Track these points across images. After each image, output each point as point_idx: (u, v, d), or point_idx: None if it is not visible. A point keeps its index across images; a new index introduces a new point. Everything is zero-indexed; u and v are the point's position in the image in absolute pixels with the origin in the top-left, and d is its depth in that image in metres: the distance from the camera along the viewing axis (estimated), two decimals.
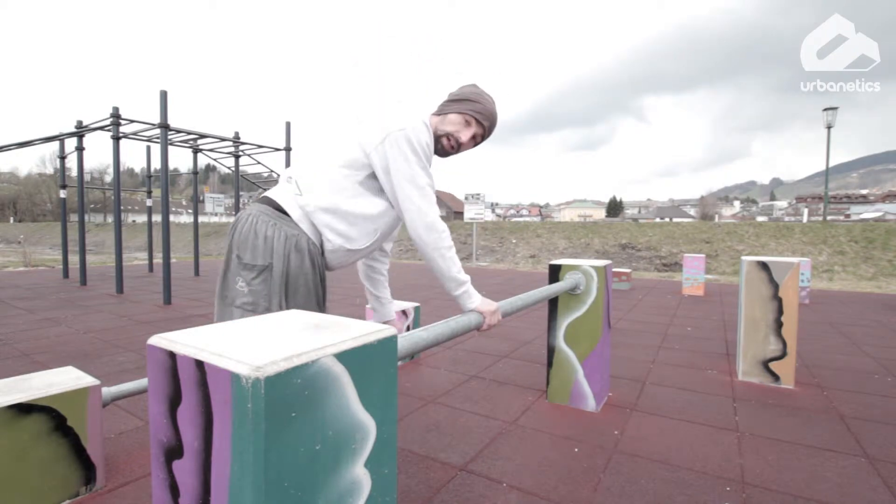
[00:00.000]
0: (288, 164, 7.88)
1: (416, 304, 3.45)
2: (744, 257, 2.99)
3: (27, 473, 1.47)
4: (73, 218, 27.34)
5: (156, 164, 11.67)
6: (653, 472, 1.80)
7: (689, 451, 1.98)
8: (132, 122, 6.48)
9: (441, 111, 1.50)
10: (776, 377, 2.83)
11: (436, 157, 1.52)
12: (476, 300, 1.44)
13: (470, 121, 1.47)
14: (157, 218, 12.69)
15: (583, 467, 1.85)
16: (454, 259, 1.38)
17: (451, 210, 47.83)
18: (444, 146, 1.48)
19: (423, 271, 10.48)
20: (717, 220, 50.43)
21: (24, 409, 1.47)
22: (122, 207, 6.90)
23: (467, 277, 1.42)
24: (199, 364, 0.68)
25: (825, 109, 15.32)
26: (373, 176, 1.37)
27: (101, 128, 6.76)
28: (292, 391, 0.65)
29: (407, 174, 1.31)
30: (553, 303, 2.49)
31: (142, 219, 42.10)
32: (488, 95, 1.52)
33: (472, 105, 1.46)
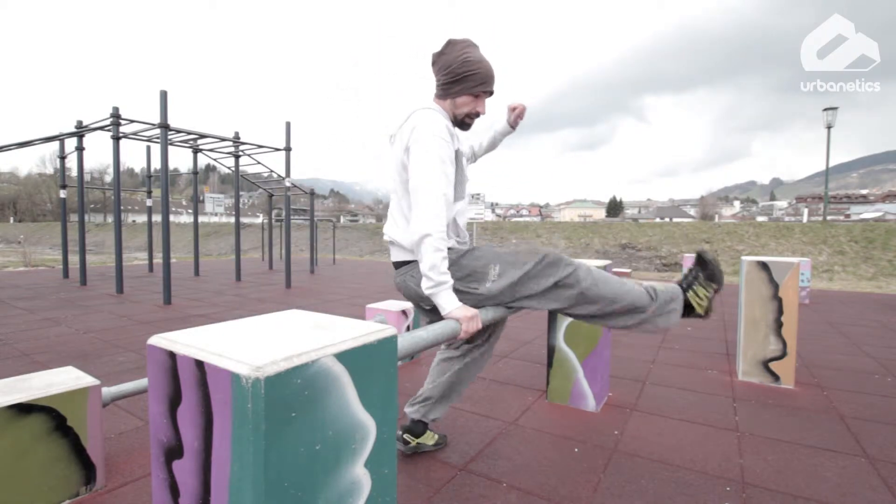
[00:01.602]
0: (288, 163, 7.87)
1: None
2: (744, 257, 2.99)
3: (27, 473, 1.47)
4: (73, 218, 27.34)
5: (156, 164, 11.66)
6: (653, 472, 1.80)
7: (689, 451, 1.98)
8: (132, 122, 6.48)
9: (447, 94, 1.56)
10: (776, 377, 2.83)
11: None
12: (451, 304, 1.41)
13: (479, 94, 1.55)
14: (157, 218, 12.69)
15: (583, 467, 1.85)
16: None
17: None
18: (469, 123, 1.61)
19: None
20: (717, 220, 50.41)
21: (24, 409, 1.47)
22: (122, 207, 6.90)
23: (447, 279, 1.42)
24: (199, 364, 0.68)
25: (825, 109, 15.32)
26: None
27: (101, 128, 6.76)
28: (292, 391, 0.65)
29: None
30: None
31: (142, 219, 42.09)
32: (474, 55, 1.53)
33: (473, 78, 1.52)
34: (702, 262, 1.61)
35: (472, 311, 1.42)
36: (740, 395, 2.66)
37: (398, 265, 1.65)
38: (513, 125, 1.91)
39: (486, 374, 3.02)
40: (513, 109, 1.89)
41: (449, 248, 1.58)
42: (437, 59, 1.58)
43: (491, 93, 1.59)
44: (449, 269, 1.55)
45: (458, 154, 1.57)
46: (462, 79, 1.52)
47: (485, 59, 1.55)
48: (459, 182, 1.59)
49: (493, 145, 2.01)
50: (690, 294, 1.58)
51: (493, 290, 1.51)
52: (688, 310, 1.58)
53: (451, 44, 1.55)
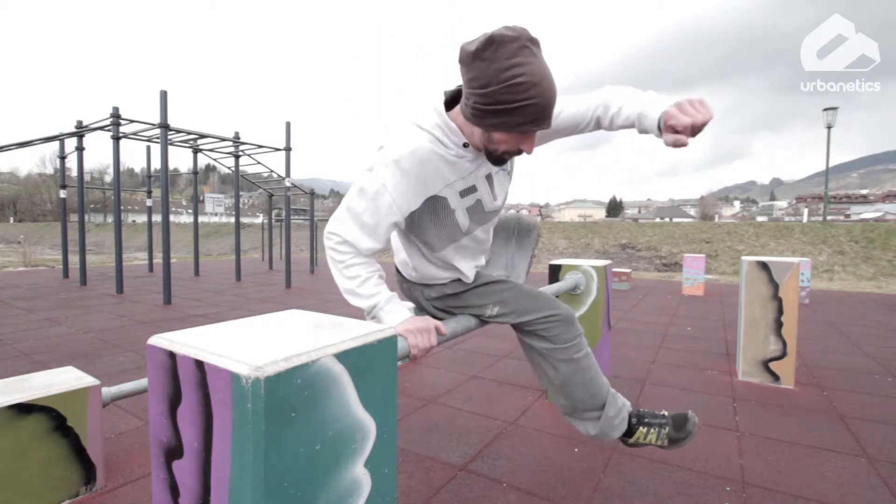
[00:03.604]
0: (288, 163, 7.89)
1: None
2: (744, 257, 2.99)
3: (27, 473, 1.47)
4: (73, 218, 27.31)
5: (156, 164, 11.65)
6: (653, 472, 1.80)
7: (689, 451, 1.97)
8: (132, 122, 6.48)
9: (480, 123, 1.08)
10: (776, 377, 2.83)
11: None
12: (395, 320, 1.14)
13: (527, 130, 1.07)
14: (157, 218, 12.69)
15: (583, 467, 1.85)
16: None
17: None
18: (504, 160, 1.18)
19: None
20: (717, 220, 50.44)
21: (24, 409, 1.47)
22: (122, 207, 6.90)
23: (374, 300, 1.16)
24: (199, 364, 0.68)
25: (825, 109, 15.33)
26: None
27: (101, 128, 6.76)
28: (292, 391, 0.65)
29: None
30: None
31: (142, 219, 42.12)
32: (529, 71, 0.98)
33: (522, 113, 1.02)
34: (681, 423, 1.44)
35: (424, 322, 1.13)
36: (740, 395, 2.66)
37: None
38: (663, 140, 1.15)
39: (486, 374, 3.02)
40: (675, 140, 1.07)
41: (441, 283, 1.45)
42: (471, 62, 1.01)
43: (547, 124, 1.08)
44: (447, 298, 1.46)
45: (435, 200, 1.20)
46: (505, 112, 1.02)
47: (545, 76, 1.00)
48: (444, 227, 1.26)
49: (627, 125, 1.24)
50: (641, 430, 1.44)
51: (488, 321, 1.47)
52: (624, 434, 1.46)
53: (494, 45, 0.97)
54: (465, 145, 1.17)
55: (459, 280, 1.43)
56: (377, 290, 1.15)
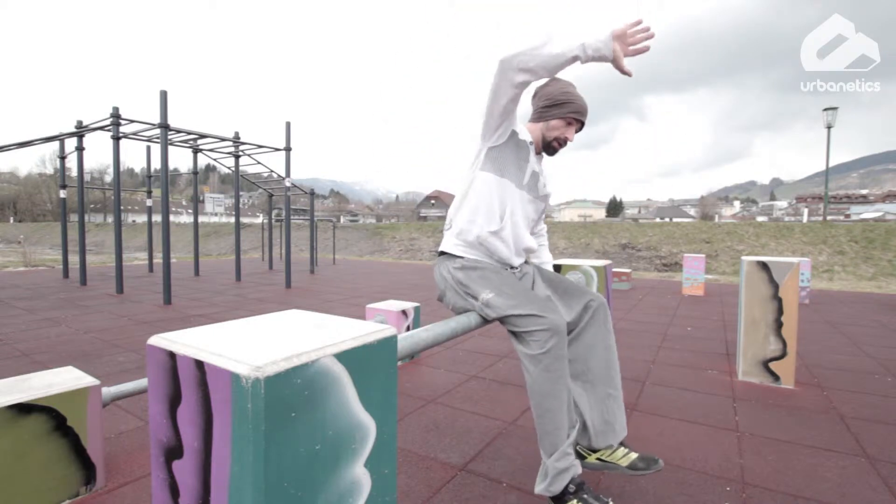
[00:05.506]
0: (288, 163, 7.89)
1: (416, 305, 3.45)
2: (744, 257, 2.99)
3: (27, 473, 1.47)
4: (73, 218, 27.35)
5: (156, 164, 11.68)
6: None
7: (689, 451, 1.98)
8: (132, 122, 6.48)
9: (541, 117, 1.70)
10: (776, 377, 2.83)
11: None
12: (578, 40, 1.32)
13: (571, 121, 1.68)
14: (157, 218, 12.69)
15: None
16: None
17: None
18: (555, 147, 1.71)
19: (424, 271, 10.48)
20: (717, 220, 50.42)
21: (24, 409, 1.47)
22: (122, 207, 6.90)
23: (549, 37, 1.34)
24: (199, 364, 0.68)
25: (825, 109, 15.33)
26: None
27: (101, 128, 6.76)
28: (292, 391, 0.65)
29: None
30: None
31: (142, 219, 42.13)
32: (573, 90, 1.69)
33: (570, 107, 1.65)
34: None
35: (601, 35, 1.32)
36: (740, 395, 2.66)
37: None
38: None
39: (486, 374, 3.02)
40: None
41: (462, 257, 1.63)
42: (540, 90, 1.73)
43: (581, 124, 1.70)
44: (459, 273, 1.61)
45: (516, 137, 1.64)
46: (560, 104, 1.65)
47: (581, 96, 1.70)
48: (516, 163, 1.63)
49: None
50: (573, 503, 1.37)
51: (481, 311, 1.55)
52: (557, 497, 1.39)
53: (555, 79, 1.70)
54: (529, 143, 1.71)
55: (474, 258, 1.62)
56: (548, 34, 1.35)
